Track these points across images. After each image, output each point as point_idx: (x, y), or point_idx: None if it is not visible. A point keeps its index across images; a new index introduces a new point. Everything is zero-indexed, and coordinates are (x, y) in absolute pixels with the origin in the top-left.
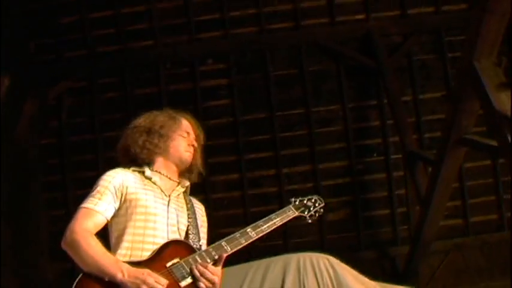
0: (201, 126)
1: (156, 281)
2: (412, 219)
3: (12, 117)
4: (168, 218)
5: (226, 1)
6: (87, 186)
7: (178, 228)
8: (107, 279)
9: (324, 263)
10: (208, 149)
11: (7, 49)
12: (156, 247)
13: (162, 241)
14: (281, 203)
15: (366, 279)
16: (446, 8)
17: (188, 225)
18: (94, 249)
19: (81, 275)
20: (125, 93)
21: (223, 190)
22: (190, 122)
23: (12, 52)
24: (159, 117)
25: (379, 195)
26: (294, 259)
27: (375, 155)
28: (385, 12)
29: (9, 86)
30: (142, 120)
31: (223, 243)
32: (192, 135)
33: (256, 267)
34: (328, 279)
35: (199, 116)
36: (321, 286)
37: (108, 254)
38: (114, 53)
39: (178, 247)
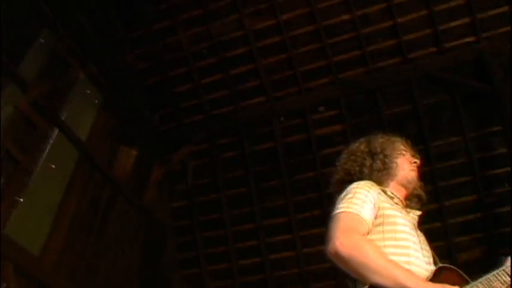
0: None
1: None
2: None
3: (141, 185)
4: (420, 242)
5: (329, 47)
6: (217, 244)
7: (428, 256)
8: None
9: None
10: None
11: (134, 123)
12: (424, 273)
13: (426, 267)
14: None
15: None
16: None
17: (433, 254)
18: (384, 258)
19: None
20: (243, 151)
21: None
22: (402, 142)
23: (137, 125)
24: (375, 140)
25: None
26: None
27: (506, 185)
28: (495, 30)
29: (137, 157)
30: (358, 145)
31: (491, 277)
32: (409, 153)
33: None
34: None
35: (318, 165)
36: None
37: (400, 265)
38: (229, 114)
39: (451, 274)
